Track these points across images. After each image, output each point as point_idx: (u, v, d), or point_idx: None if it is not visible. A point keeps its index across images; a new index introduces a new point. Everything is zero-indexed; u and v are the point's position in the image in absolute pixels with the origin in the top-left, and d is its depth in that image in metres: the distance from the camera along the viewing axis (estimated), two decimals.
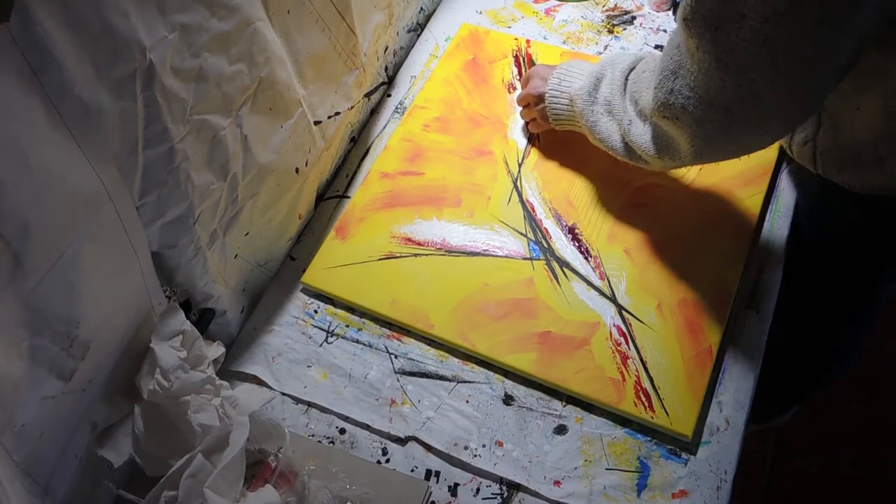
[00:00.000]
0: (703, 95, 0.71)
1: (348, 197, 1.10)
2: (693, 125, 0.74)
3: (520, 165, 1.08)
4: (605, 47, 1.22)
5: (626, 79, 0.86)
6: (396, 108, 1.20)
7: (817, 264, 1.08)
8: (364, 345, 0.97)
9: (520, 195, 1.05)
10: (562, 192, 1.05)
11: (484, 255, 1.00)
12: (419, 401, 0.92)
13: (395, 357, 0.95)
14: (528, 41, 1.22)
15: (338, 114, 1.04)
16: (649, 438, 0.87)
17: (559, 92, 0.97)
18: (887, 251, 0.99)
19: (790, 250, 0.99)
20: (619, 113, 0.87)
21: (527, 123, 1.10)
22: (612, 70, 0.89)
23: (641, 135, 0.83)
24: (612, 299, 0.95)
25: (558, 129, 1.02)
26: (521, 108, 1.09)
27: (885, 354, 1.57)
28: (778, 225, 1.00)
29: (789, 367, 1.30)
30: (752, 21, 0.63)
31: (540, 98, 1.01)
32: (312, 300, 1.01)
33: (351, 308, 1.00)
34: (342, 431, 0.91)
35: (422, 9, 1.30)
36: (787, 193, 1.03)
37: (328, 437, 0.91)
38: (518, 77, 1.17)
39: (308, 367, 0.95)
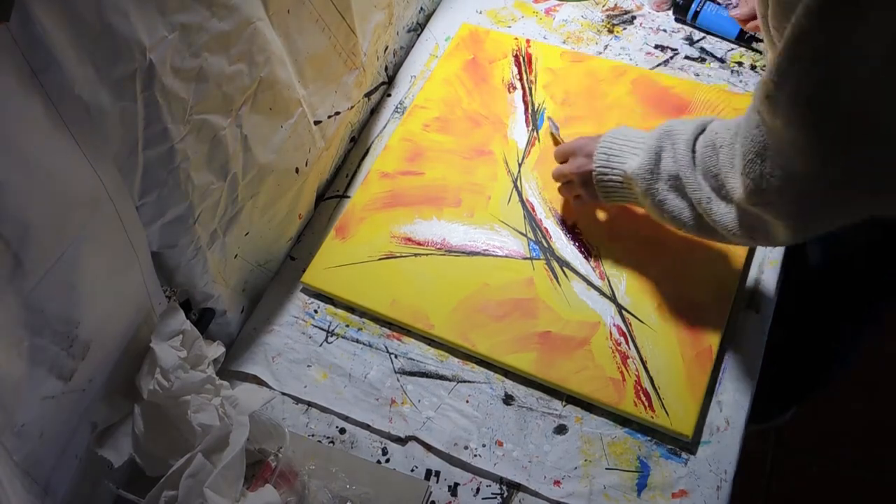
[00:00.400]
0: (801, 174, 0.66)
1: (348, 197, 1.10)
2: (792, 207, 0.69)
3: (520, 165, 1.08)
4: (605, 47, 1.22)
5: (693, 150, 0.79)
6: (396, 107, 1.20)
7: (819, 267, 1.08)
8: (364, 344, 0.97)
9: (520, 195, 1.05)
10: None
11: (484, 254, 1.00)
12: (419, 400, 0.92)
13: (395, 357, 0.95)
14: (528, 41, 1.22)
15: (338, 113, 1.04)
16: (649, 438, 0.87)
17: (609, 169, 0.88)
18: (890, 256, 0.99)
19: (790, 250, 0.99)
20: (693, 190, 0.79)
21: (568, 202, 1.02)
22: (673, 142, 0.81)
23: (724, 214, 0.76)
24: (612, 299, 0.95)
25: (609, 204, 0.96)
26: (559, 184, 1.01)
27: (885, 354, 1.57)
28: None
29: (789, 367, 1.30)
30: (846, 86, 0.59)
31: (585, 176, 0.92)
32: (312, 300, 1.01)
33: (351, 308, 1.00)
34: (342, 431, 0.91)
35: (422, 8, 1.30)
36: None
37: (328, 437, 0.91)
38: (518, 77, 1.17)
39: (308, 366, 0.95)
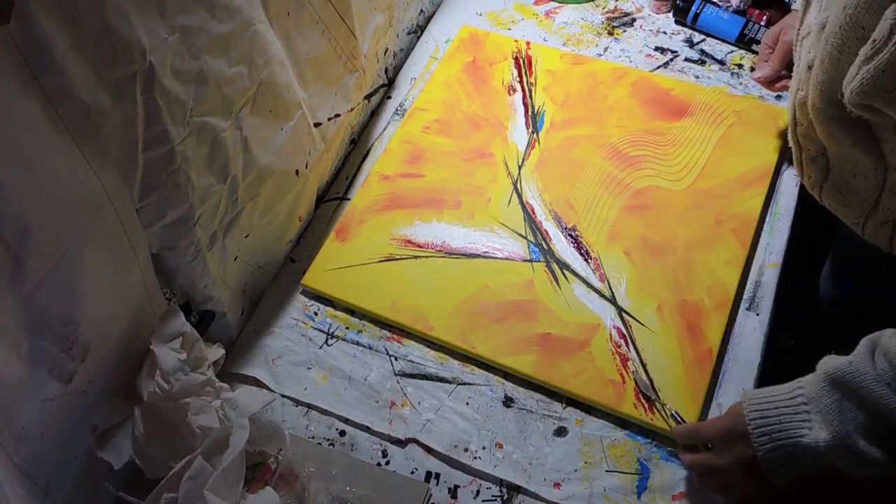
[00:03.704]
0: None
1: (348, 199, 1.10)
2: None
3: (520, 167, 1.08)
4: (605, 49, 1.22)
5: (889, 384, 0.65)
6: (396, 110, 1.20)
7: (834, 302, 1.06)
8: (364, 347, 0.97)
9: (520, 197, 1.05)
10: (562, 193, 1.05)
11: (484, 257, 1.00)
12: (419, 403, 0.91)
13: (396, 359, 0.95)
14: (528, 43, 1.22)
15: (338, 116, 1.04)
16: (649, 440, 0.87)
17: (779, 450, 0.71)
18: None
19: (790, 252, 0.99)
20: None
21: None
22: (853, 387, 0.67)
23: None
24: (612, 301, 0.95)
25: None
26: (697, 474, 0.81)
27: None
28: (778, 227, 1.00)
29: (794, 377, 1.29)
30: None
31: (749, 464, 0.73)
32: (312, 302, 1.01)
33: (351, 310, 1.00)
34: (342, 433, 0.91)
35: (422, 11, 1.30)
36: (787, 195, 1.03)
37: (328, 440, 0.91)
38: (518, 79, 1.18)
39: (308, 369, 0.95)
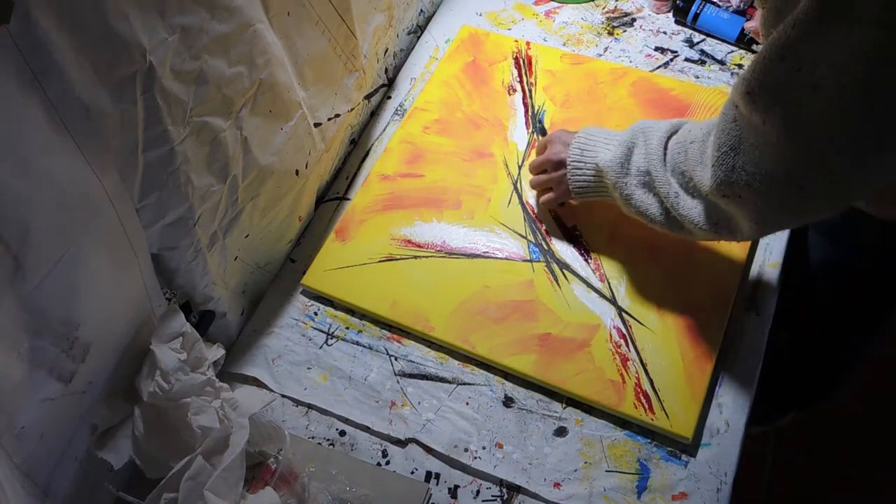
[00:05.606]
0: (771, 171, 0.67)
1: (348, 199, 1.10)
2: (758, 202, 0.70)
3: (520, 167, 1.08)
4: (605, 49, 1.22)
5: (665, 148, 0.82)
6: (396, 110, 1.20)
7: (822, 270, 1.07)
8: (364, 347, 0.97)
9: (520, 197, 1.05)
10: None
11: (484, 257, 1.00)
12: (419, 403, 0.92)
13: (396, 359, 0.95)
14: (528, 43, 1.22)
15: (338, 116, 1.04)
16: (649, 440, 0.87)
17: (582, 162, 0.91)
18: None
19: (791, 252, 0.99)
20: (661, 185, 0.81)
21: (538, 198, 1.03)
22: (646, 138, 0.84)
23: (691, 209, 0.78)
24: (612, 301, 0.95)
25: (578, 201, 0.98)
26: (532, 176, 1.03)
27: (886, 355, 1.57)
28: None
29: (793, 374, 1.30)
30: (827, 92, 0.59)
31: (560, 164, 0.95)
32: (312, 302, 1.01)
33: (351, 310, 1.00)
34: (342, 433, 0.91)
35: (422, 11, 1.30)
36: None
37: (328, 440, 0.91)
38: (518, 79, 1.18)
39: (308, 369, 0.95)
